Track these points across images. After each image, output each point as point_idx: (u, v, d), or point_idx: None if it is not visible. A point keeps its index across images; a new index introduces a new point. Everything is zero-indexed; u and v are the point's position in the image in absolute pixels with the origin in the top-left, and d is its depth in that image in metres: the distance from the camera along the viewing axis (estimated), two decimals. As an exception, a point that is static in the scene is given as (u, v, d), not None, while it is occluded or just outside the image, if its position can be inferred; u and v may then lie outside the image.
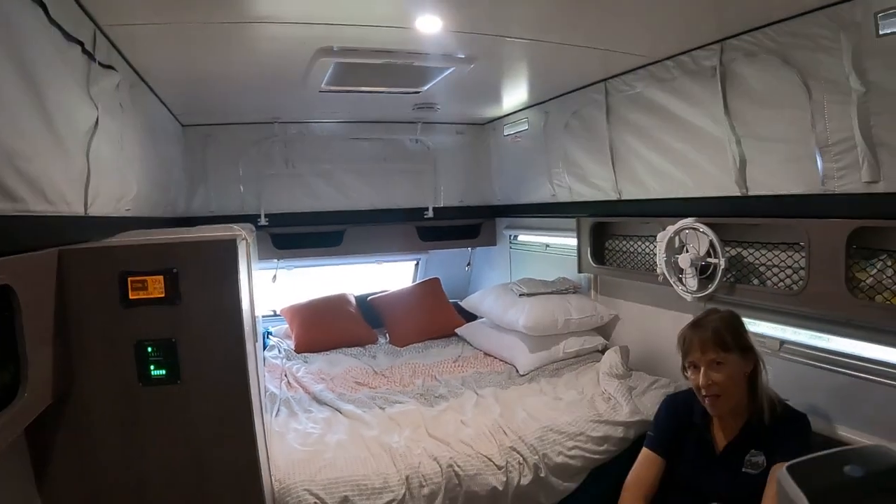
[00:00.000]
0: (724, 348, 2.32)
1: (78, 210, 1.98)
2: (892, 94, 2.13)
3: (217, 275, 1.91)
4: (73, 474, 1.85)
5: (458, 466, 2.72)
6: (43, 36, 1.73)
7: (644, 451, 2.62)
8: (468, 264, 6.18)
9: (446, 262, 6.10)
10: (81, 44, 2.01)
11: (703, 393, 2.36)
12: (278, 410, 3.36)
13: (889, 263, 2.34)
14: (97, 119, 2.12)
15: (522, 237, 5.51)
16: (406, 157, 5.17)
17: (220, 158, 4.59)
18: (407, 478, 2.63)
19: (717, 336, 2.33)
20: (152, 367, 1.87)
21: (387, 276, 6.17)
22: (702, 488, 2.43)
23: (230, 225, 2.36)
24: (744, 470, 2.36)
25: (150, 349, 1.85)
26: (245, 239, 2.17)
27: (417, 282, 5.91)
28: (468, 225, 5.64)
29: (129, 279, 1.82)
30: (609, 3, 2.30)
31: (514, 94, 4.18)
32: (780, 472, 1.14)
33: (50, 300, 1.71)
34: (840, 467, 1.18)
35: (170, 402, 1.90)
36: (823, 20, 2.30)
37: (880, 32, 2.10)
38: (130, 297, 1.83)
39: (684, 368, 2.46)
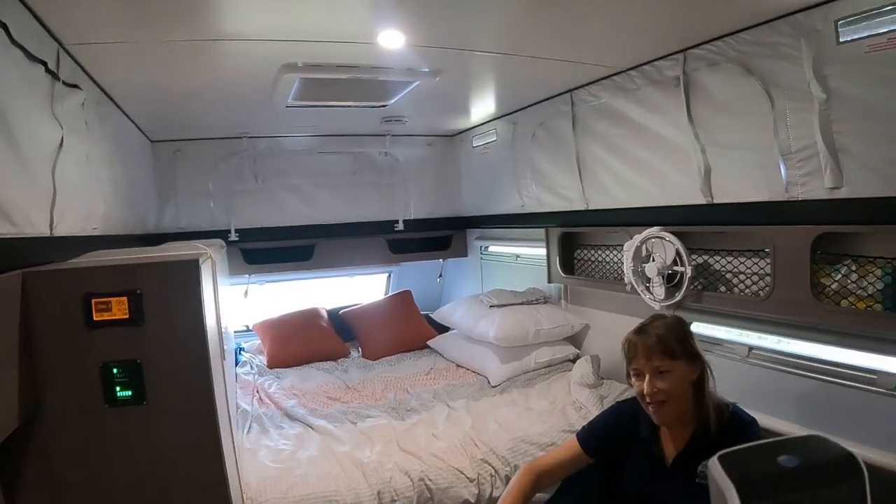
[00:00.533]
0: (671, 356, 2.24)
1: (43, 231, 1.96)
2: (853, 100, 2.16)
3: (180, 295, 1.90)
4: (41, 497, 1.83)
5: (430, 480, 2.73)
6: (5, 57, 1.72)
7: (572, 440, 2.60)
8: (440, 276, 6.18)
9: (418, 274, 6.09)
10: (45, 63, 2.00)
11: (648, 400, 2.28)
12: (250, 427, 3.35)
13: (853, 268, 2.37)
14: (62, 139, 2.11)
15: (493, 248, 5.53)
16: (375, 171, 5.17)
17: (190, 174, 4.57)
18: (378, 492, 2.63)
19: (663, 343, 2.26)
20: (118, 389, 1.85)
21: (359, 289, 6.15)
22: (655, 502, 2.38)
23: (196, 243, 2.36)
24: (697, 481, 2.20)
25: (115, 370, 1.84)
26: (210, 257, 2.17)
27: (389, 294, 5.90)
28: (439, 237, 5.65)
29: (94, 300, 1.81)
30: (572, 15, 2.32)
31: (482, 106, 4.20)
32: (711, 460, 1.13)
33: (14, 323, 1.70)
34: (774, 457, 1.17)
35: (136, 424, 1.88)
36: (784, 28, 2.34)
37: (840, 40, 2.14)
38: (95, 318, 1.81)
39: (628, 375, 2.38)
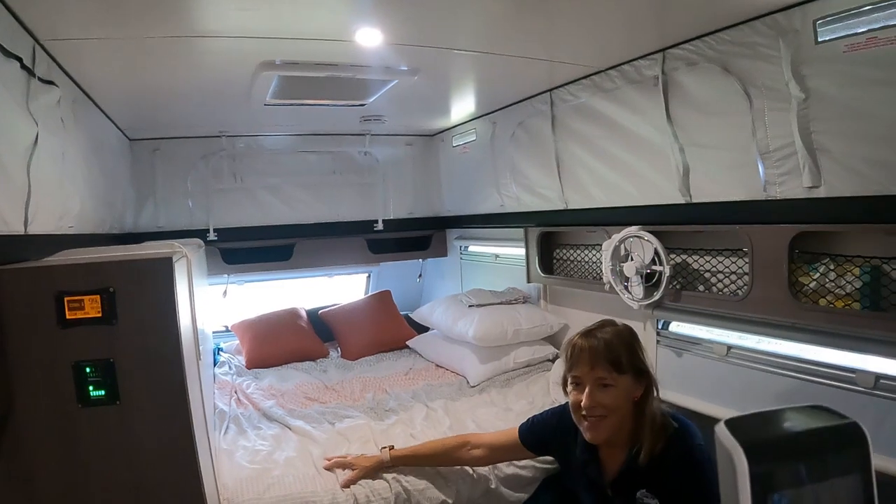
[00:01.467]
0: (617, 368, 2.12)
1: (17, 229, 1.94)
2: (831, 100, 2.17)
3: (154, 294, 1.88)
4: (12, 498, 1.81)
5: (407, 481, 2.71)
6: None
7: (514, 428, 2.60)
8: (419, 276, 6.19)
9: (398, 274, 6.09)
10: (20, 59, 1.98)
11: (584, 413, 2.16)
12: (227, 428, 3.32)
13: (832, 267, 2.38)
14: (37, 135, 2.09)
15: (473, 248, 5.53)
16: (355, 170, 5.16)
17: (169, 173, 4.54)
18: (355, 494, 2.61)
19: (611, 352, 2.14)
20: (91, 388, 1.83)
21: (338, 289, 6.14)
22: None
23: (171, 241, 2.33)
24: None
25: (88, 370, 1.82)
26: (185, 256, 2.15)
27: (369, 294, 5.90)
28: (418, 237, 5.65)
29: (66, 299, 1.79)
30: (551, 13, 2.32)
31: (461, 106, 4.19)
32: (718, 426, 1.14)
33: (-14, 321, 1.68)
34: (780, 423, 1.19)
35: (109, 424, 1.86)
36: (763, 28, 2.34)
37: (819, 40, 2.14)
38: (67, 317, 1.80)
39: (565, 383, 2.28)
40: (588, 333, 2.22)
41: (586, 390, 2.14)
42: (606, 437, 2.18)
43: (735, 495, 1.10)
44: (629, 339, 2.21)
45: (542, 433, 2.51)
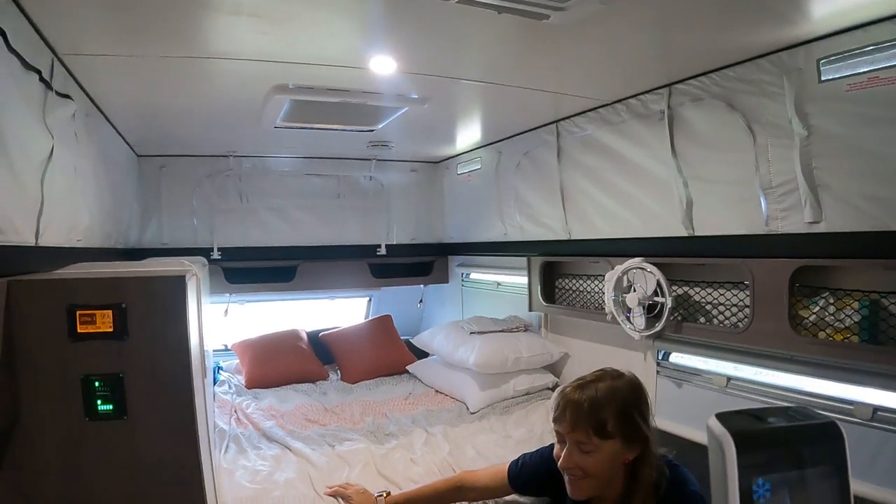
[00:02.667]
0: (600, 433, 1.92)
1: (28, 240, 1.96)
2: (833, 137, 2.21)
3: (165, 310, 1.90)
4: (16, 509, 1.82)
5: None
6: (1, 63, 1.73)
7: (504, 467, 2.50)
8: (420, 301, 6.19)
9: (399, 298, 6.09)
10: (39, 72, 2.01)
11: (563, 472, 2.03)
12: (227, 447, 3.31)
13: (831, 301, 2.41)
14: (52, 149, 2.11)
15: (474, 275, 5.53)
16: (359, 194, 5.19)
17: (175, 190, 4.56)
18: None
19: (595, 416, 1.93)
20: (99, 402, 1.84)
21: (339, 312, 6.14)
22: None
23: (180, 259, 2.35)
24: None
25: (96, 384, 1.83)
26: (195, 274, 2.17)
27: (369, 318, 5.89)
28: (420, 262, 5.67)
29: (78, 313, 1.81)
30: (560, 47, 2.35)
31: (468, 134, 4.22)
32: (710, 419, 1.20)
33: (-3, 330, 1.69)
34: (765, 418, 1.26)
35: (116, 438, 1.87)
36: (768, 66, 2.39)
37: (822, 78, 2.19)
38: (78, 330, 1.81)
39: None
40: (580, 386, 2.02)
41: (565, 450, 2.00)
42: (589, 495, 2.03)
43: (724, 479, 1.20)
44: (625, 399, 1.97)
45: (531, 477, 2.43)
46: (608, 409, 1.93)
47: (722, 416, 1.22)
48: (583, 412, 1.94)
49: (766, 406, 1.31)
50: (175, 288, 1.92)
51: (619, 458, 1.95)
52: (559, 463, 2.02)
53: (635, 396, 1.99)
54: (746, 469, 1.16)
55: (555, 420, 2.04)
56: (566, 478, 2.03)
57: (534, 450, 2.49)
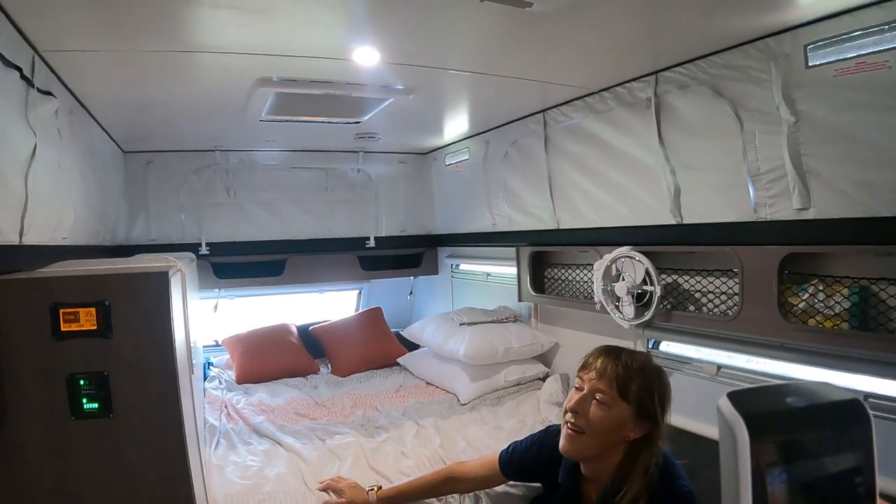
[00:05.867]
0: (621, 392, 1.98)
1: (12, 239, 1.93)
2: (821, 123, 2.20)
3: (149, 307, 1.89)
4: (3, 510, 1.81)
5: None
6: (-20, 63, 1.71)
7: (494, 456, 2.52)
8: (410, 293, 6.19)
9: (389, 291, 6.09)
10: (20, 69, 1.98)
11: (568, 417, 2.05)
12: (217, 443, 3.30)
13: (820, 288, 2.41)
14: (35, 146, 2.09)
15: (464, 266, 5.54)
16: (347, 187, 5.17)
17: (162, 186, 4.53)
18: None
19: (625, 375, 1.99)
20: (84, 401, 1.83)
21: (329, 305, 6.14)
22: None
23: (166, 255, 2.33)
24: None
25: (82, 382, 1.82)
26: (180, 270, 2.15)
27: (359, 311, 5.89)
28: (410, 254, 5.66)
29: (61, 311, 1.80)
30: (545, 35, 2.34)
31: (455, 125, 4.21)
32: (721, 399, 1.14)
33: (-20, 331, 1.68)
34: (783, 398, 1.19)
35: (103, 437, 1.86)
36: (754, 52, 2.38)
37: (809, 64, 2.18)
38: (62, 329, 1.80)
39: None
40: (615, 349, 2.11)
41: (579, 395, 2.05)
42: (578, 454, 2.09)
43: (735, 469, 1.10)
44: (652, 379, 2.02)
45: (522, 463, 2.44)
46: (637, 376, 2.00)
47: (734, 396, 1.16)
48: (614, 367, 2.01)
49: (785, 382, 1.27)
50: (159, 284, 1.90)
51: (624, 429, 1.99)
52: (567, 405, 2.07)
53: (662, 382, 2.05)
54: (761, 458, 1.10)
55: (582, 367, 2.11)
56: (564, 429, 2.07)
57: (523, 437, 2.51)
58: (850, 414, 1.17)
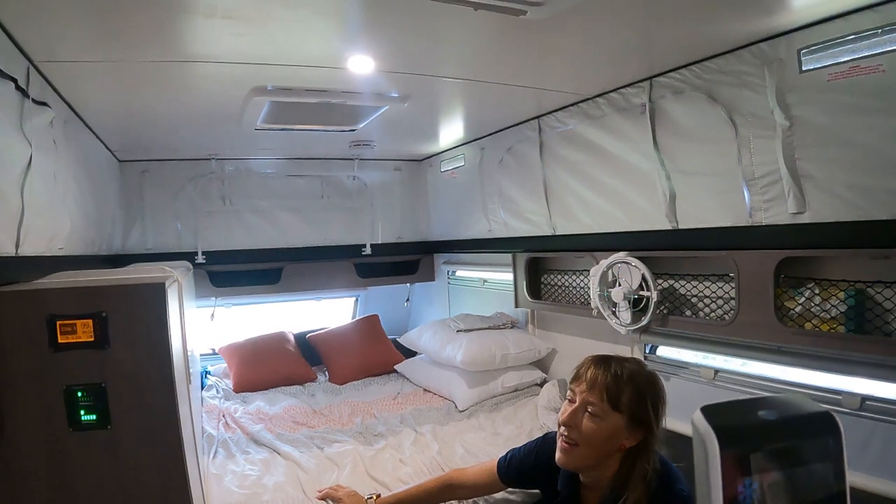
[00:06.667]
0: (613, 404, 1.96)
1: (8, 250, 1.93)
2: (816, 127, 2.20)
3: (146, 318, 1.88)
4: (-1, 522, 1.80)
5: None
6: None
7: (493, 463, 2.51)
8: (407, 300, 6.19)
9: (386, 298, 6.09)
10: (15, 80, 1.98)
11: (562, 430, 2.05)
12: (216, 452, 3.30)
13: (817, 291, 2.41)
14: (31, 157, 2.08)
15: (460, 272, 5.54)
16: (343, 194, 5.16)
17: (158, 195, 4.52)
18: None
19: (615, 386, 1.98)
20: (82, 413, 1.83)
21: (326, 312, 6.13)
22: None
23: (162, 265, 2.33)
24: None
25: (79, 394, 1.82)
26: (176, 280, 2.15)
27: (356, 318, 5.88)
28: (406, 261, 5.66)
29: (58, 323, 1.79)
30: (539, 42, 2.34)
31: (450, 131, 4.21)
32: (696, 413, 1.16)
33: (-23, 343, 1.68)
34: (755, 411, 1.21)
35: (100, 448, 1.86)
36: (748, 57, 2.38)
37: (803, 68, 2.19)
38: (59, 340, 1.79)
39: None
40: (605, 358, 2.09)
41: (572, 408, 2.04)
42: (574, 466, 2.09)
43: (707, 479, 1.13)
44: (644, 384, 2.01)
45: (520, 470, 2.43)
46: (628, 385, 1.98)
47: (708, 410, 1.18)
48: (603, 377, 2.00)
49: (758, 396, 1.28)
50: (155, 295, 1.90)
51: (619, 438, 1.98)
52: (560, 418, 2.06)
53: (654, 388, 2.03)
54: (732, 468, 1.12)
55: (574, 379, 2.09)
56: (559, 441, 2.06)
57: (522, 444, 2.50)
58: (822, 426, 1.20)
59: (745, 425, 1.18)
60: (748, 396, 2.68)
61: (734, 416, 1.21)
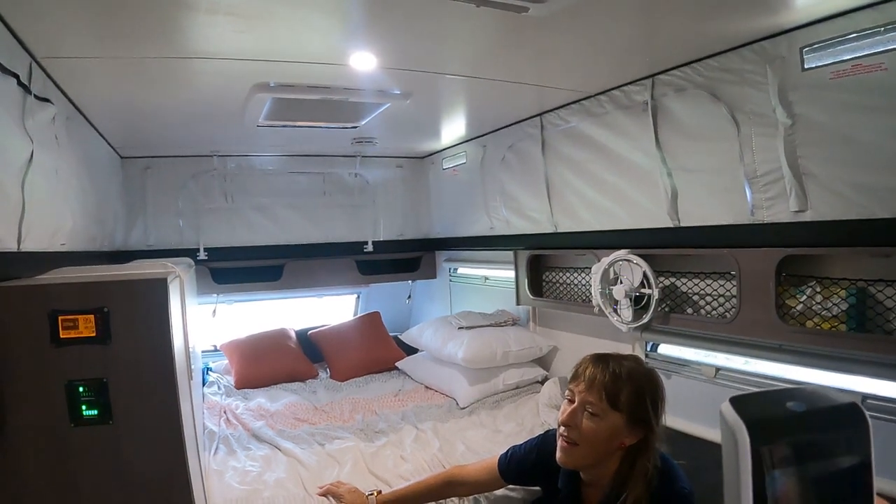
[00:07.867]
0: (612, 403, 1.96)
1: (10, 246, 1.93)
2: (818, 125, 2.20)
3: (148, 314, 1.89)
4: (2, 517, 1.81)
5: (398, 502, 2.70)
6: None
7: (494, 460, 2.51)
8: (409, 297, 6.18)
9: (387, 295, 6.09)
10: (17, 76, 1.99)
11: (561, 431, 2.05)
12: (217, 448, 3.30)
13: (818, 290, 2.40)
14: (32, 153, 2.09)
15: (462, 270, 5.53)
16: (345, 191, 5.16)
17: (160, 191, 4.53)
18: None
19: (613, 385, 1.98)
20: (84, 408, 1.83)
21: (328, 309, 6.13)
22: None
23: (164, 261, 2.33)
24: None
25: (81, 389, 1.82)
26: (178, 276, 2.15)
27: (358, 315, 5.89)
28: (408, 258, 5.66)
29: (60, 318, 1.79)
30: (541, 40, 2.34)
31: (452, 129, 4.22)
32: (724, 404, 1.15)
33: (-21, 338, 1.68)
34: (783, 403, 1.20)
35: (102, 443, 1.86)
36: (750, 55, 2.38)
37: (805, 67, 2.19)
38: (61, 335, 1.80)
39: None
40: (603, 357, 2.09)
41: (571, 408, 2.04)
42: (574, 465, 2.09)
43: (737, 471, 1.11)
44: (643, 382, 2.01)
45: (521, 467, 2.43)
46: (626, 384, 1.98)
47: (736, 401, 1.17)
48: (601, 376, 2.00)
49: (785, 387, 1.27)
50: (157, 290, 1.90)
51: (619, 437, 1.98)
52: (560, 418, 2.06)
53: (653, 385, 2.03)
54: (761, 461, 1.11)
55: (572, 378, 2.09)
56: (559, 440, 2.06)
57: (523, 441, 2.50)
58: (849, 417, 1.18)
59: (774, 417, 1.17)
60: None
61: (763, 407, 1.20)
